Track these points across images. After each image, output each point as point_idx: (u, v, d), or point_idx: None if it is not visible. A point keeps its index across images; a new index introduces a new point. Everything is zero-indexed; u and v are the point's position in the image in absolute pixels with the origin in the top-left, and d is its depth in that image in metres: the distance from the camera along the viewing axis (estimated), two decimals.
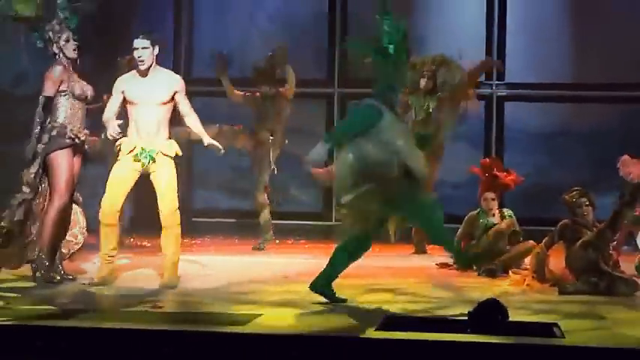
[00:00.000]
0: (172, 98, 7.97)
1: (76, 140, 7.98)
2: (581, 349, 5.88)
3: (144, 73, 7.94)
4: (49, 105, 7.91)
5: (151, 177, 7.99)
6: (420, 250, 10.54)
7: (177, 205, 7.97)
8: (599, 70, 12.29)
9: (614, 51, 12.13)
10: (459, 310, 6.82)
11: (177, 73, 12.25)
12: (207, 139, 8.11)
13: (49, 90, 7.92)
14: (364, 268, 9.27)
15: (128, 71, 9.70)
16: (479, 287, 8.24)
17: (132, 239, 11.13)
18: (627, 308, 7.29)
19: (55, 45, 8.01)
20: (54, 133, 7.91)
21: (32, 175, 7.91)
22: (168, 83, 8.00)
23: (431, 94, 10.27)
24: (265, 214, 10.61)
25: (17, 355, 5.89)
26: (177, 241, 7.99)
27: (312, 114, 12.56)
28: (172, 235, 7.96)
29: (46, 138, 7.91)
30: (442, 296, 7.71)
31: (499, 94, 12.61)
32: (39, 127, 7.89)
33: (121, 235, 10.74)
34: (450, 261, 9.41)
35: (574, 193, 8.20)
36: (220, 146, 8.10)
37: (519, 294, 7.89)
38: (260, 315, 6.61)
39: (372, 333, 6.18)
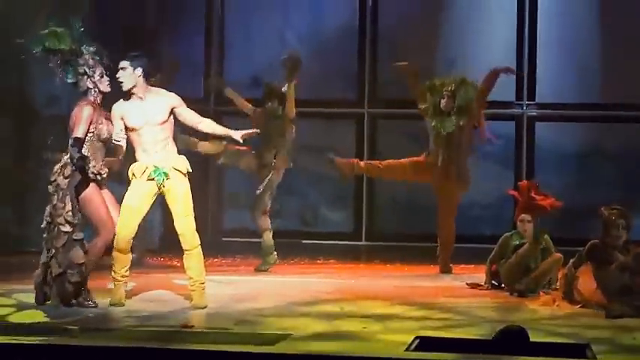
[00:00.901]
0: (170, 115, 7.82)
1: (98, 177, 7.91)
2: None
3: (141, 97, 7.78)
4: (80, 144, 7.83)
5: (166, 197, 7.85)
6: (446, 270, 10.46)
7: (194, 225, 7.86)
8: (630, 91, 12.19)
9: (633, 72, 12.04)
10: (490, 331, 6.73)
11: (208, 94, 12.44)
12: (235, 134, 7.97)
13: (79, 132, 7.78)
14: (396, 288, 9.25)
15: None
16: (509, 307, 8.17)
17: (162, 259, 11.11)
18: None
19: (89, 79, 7.93)
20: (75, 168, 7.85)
21: (70, 213, 7.82)
22: (162, 102, 7.83)
23: (450, 114, 10.26)
24: (267, 237, 10.41)
25: None
26: (201, 261, 7.90)
27: (343, 134, 12.52)
28: (195, 256, 7.86)
29: (68, 171, 7.86)
30: (473, 317, 7.61)
31: (529, 114, 12.53)
32: (71, 167, 7.81)
33: (145, 254, 10.74)
34: (481, 281, 9.34)
35: (615, 211, 8.07)
36: (256, 130, 8.03)
37: (549, 314, 7.80)
38: (289, 335, 6.55)
39: (402, 354, 6.12)
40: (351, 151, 12.46)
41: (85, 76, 7.89)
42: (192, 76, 12.52)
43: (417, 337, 6.54)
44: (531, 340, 6.21)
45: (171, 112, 7.81)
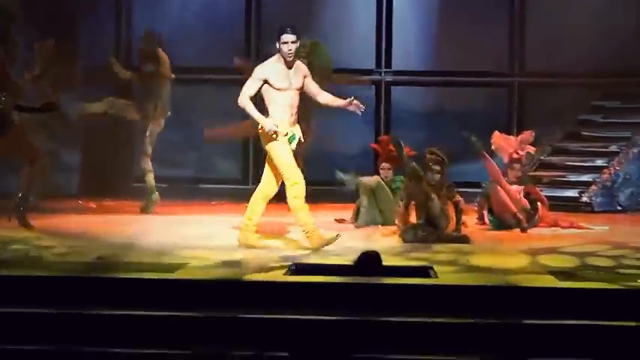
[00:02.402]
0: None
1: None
2: (451, 286, 6.04)
3: (290, 64, 7.48)
4: None
5: None
6: None
7: None
8: (467, 60, 12.45)
9: (479, 44, 12.31)
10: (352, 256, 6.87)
11: (118, 62, 12.25)
12: (341, 102, 7.66)
13: None
14: (278, 224, 9.25)
15: (48, 57, 9.51)
16: (365, 237, 8.36)
17: (80, 202, 10.96)
18: (490, 254, 7.45)
19: None
20: None
21: None
22: (300, 70, 7.57)
23: None
24: (149, 179, 10.18)
25: None
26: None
27: (232, 97, 12.47)
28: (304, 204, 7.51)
29: None
30: (339, 245, 7.63)
31: (387, 79, 12.72)
32: None
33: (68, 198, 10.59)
34: (347, 217, 9.49)
35: (432, 157, 8.24)
36: (361, 106, 7.69)
37: (401, 244, 8.01)
38: (187, 264, 6.61)
39: (282, 278, 6.25)
40: (239, 112, 12.47)
41: None
42: (104, 47, 12.33)
43: (293, 264, 6.68)
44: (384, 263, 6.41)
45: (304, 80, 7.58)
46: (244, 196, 11.58)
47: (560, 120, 11.94)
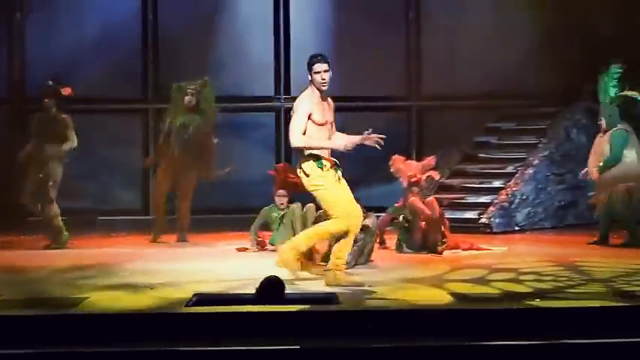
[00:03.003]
0: None
1: None
2: (353, 312, 6.10)
3: (324, 97, 7.05)
4: None
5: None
6: (182, 239, 10.18)
7: None
8: (368, 85, 12.66)
9: (377, 70, 12.54)
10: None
11: (12, 93, 12.00)
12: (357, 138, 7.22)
13: None
14: (179, 254, 9.26)
15: None
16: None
17: None
18: (394, 277, 7.55)
19: None
20: None
21: None
22: (330, 103, 7.17)
23: (193, 111, 10.04)
24: (57, 222, 9.74)
25: None
26: None
27: (131, 127, 12.42)
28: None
29: None
30: (242, 275, 7.66)
31: (286, 106, 12.80)
32: None
33: None
34: (248, 245, 9.47)
35: None
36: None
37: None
38: (87, 298, 6.52)
39: (184, 309, 6.22)
40: (139, 141, 12.42)
41: None
42: None
43: (195, 294, 6.65)
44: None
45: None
46: (144, 227, 11.65)
47: (458, 142, 12.23)
